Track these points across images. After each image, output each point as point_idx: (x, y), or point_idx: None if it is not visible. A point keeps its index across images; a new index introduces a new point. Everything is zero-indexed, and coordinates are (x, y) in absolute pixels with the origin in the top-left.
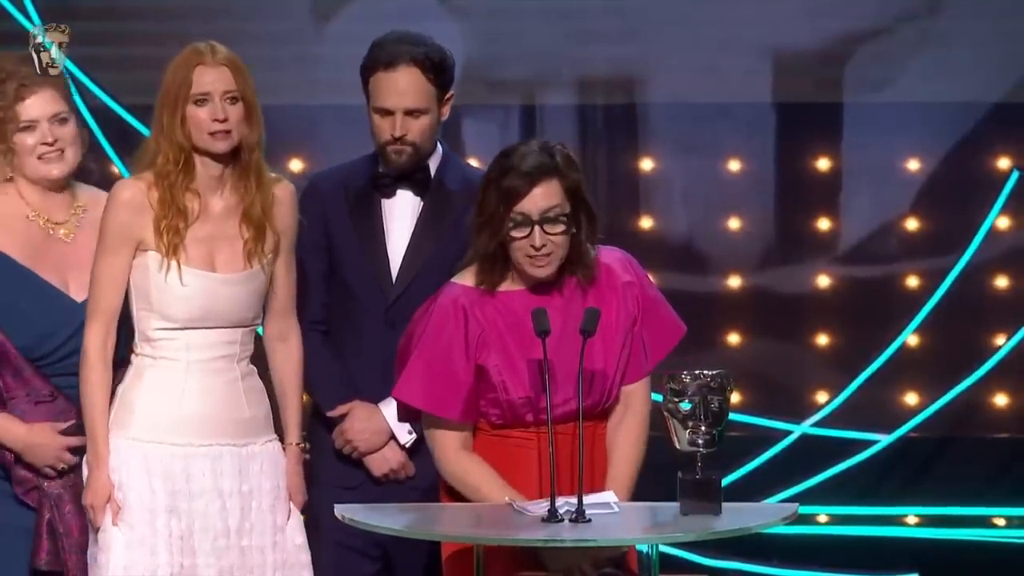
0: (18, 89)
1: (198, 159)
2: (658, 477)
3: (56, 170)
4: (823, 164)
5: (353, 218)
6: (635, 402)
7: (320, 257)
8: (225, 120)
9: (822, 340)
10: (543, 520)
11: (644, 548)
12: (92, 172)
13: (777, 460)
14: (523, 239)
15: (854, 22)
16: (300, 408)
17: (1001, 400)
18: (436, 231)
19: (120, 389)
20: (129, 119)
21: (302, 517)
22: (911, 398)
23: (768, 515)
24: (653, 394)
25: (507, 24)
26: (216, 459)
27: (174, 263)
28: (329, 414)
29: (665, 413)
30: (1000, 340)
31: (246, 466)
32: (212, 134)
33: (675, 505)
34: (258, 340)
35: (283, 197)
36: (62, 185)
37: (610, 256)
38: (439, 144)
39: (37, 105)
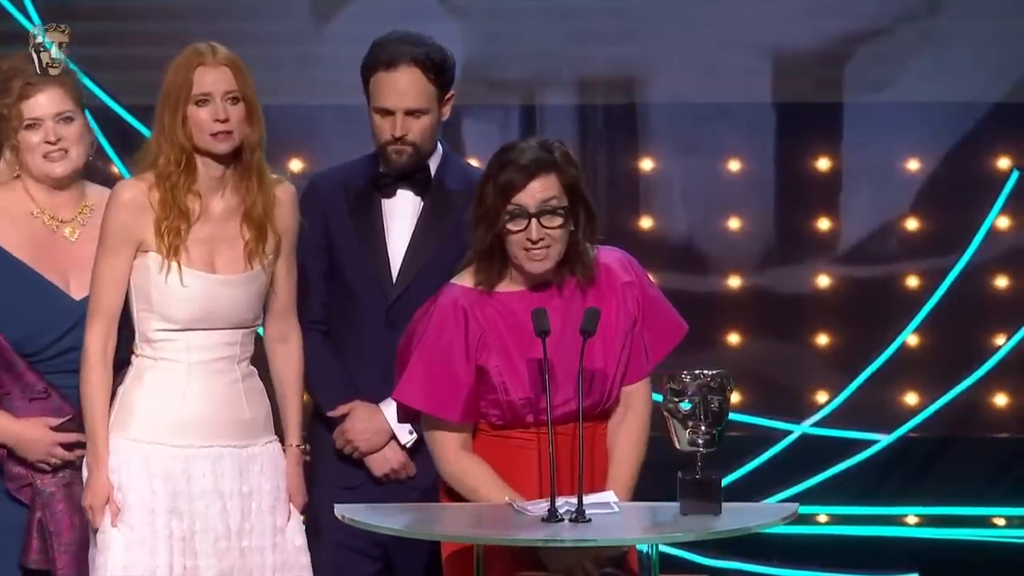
0: (24, 87)
1: (199, 160)
2: (658, 477)
3: (59, 168)
4: (823, 164)
5: (353, 218)
6: (635, 402)
7: (320, 257)
8: (226, 120)
9: (822, 340)
10: (543, 520)
11: (644, 548)
12: (100, 171)
13: (777, 460)
14: (520, 232)
15: (854, 22)
16: (300, 409)
17: (1001, 400)
18: (437, 231)
19: (120, 390)
20: (129, 119)
21: (302, 518)
22: (911, 398)
23: (768, 515)
24: (653, 394)
25: (507, 24)
26: (217, 460)
27: (175, 264)
28: (330, 414)
29: (665, 413)
30: (1000, 340)
31: (246, 467)
32: (214, 135)
33: (675, 505)
34: (258, 341)
35: (284, 198)
36: (68, 183)
37: (610, 256)
38: (439, 144)
39: (42, 103)
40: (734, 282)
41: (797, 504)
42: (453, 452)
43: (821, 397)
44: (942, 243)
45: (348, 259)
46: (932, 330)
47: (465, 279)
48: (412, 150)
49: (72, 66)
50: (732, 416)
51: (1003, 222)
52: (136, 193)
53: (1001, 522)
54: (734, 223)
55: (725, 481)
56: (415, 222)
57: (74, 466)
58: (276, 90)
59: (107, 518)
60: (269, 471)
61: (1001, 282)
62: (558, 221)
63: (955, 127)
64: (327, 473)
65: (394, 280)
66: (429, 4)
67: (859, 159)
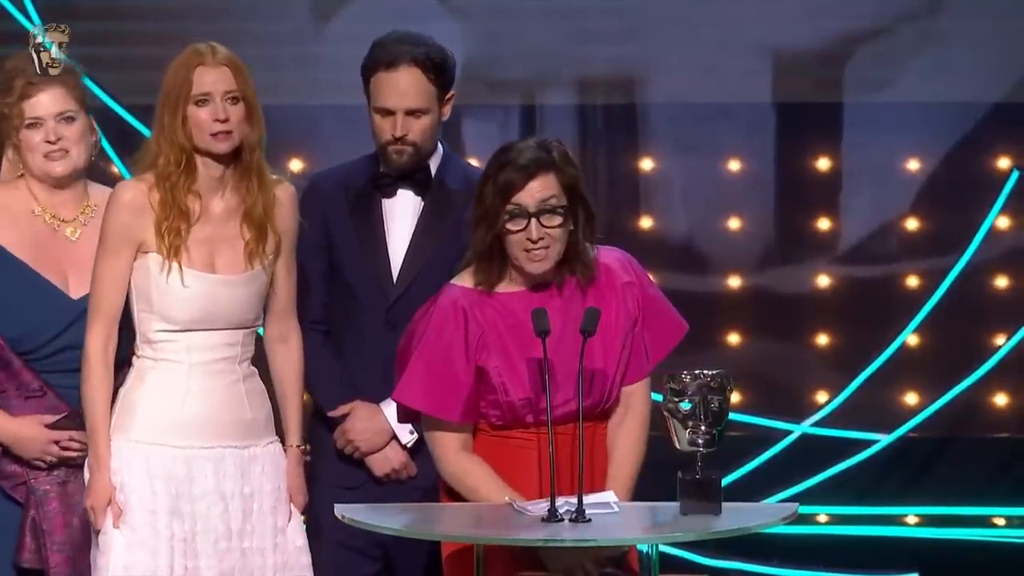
0: (26, 86)
1: (199, 160)
2: (658, 477)
3: (59, 168)
4: (823, 164)
5: (353, 218)
6: (635, 402)
7: (320, 257)
8: (226, 120)
9: (822, 340)
10: (543, 520)
11: (644, 548)
12: (100, 171)
13: (777, 460)
14: (520, 232)
15: (854, 22)
16: (300, 409)
17: (1001, 400)
18: (437, 231)
19: (122, 391)
20: (129, 119)
21: (302, 519)
22: (911, 398)
23: (768, 515)
24: (653, 394)
25: (507, 24)
26: (219, 461)
27: (175, 265)
28: (330, 414)
29: (665, 413)
30: (1000, 340)
31: (248, 468)
32: (213, 135)
33: (675, 505)
34: (258, 341)
35: (284, 198)
36: (69, 183)
37: (609, 256)
38: (440, 144)
39: (44, 103)
40: (734, 282)
41: (797, 504)
42: (453, 452)
43: (821, 397)
44: (942, 243)
45: (348, 259)
46: (932, 330)
47: (465, 279)
48: (412, 150)
49: (77, 67)
50: (732, 416)
51: (1003, 222)
52: (136, 194)
53: (1001, 522)
54: (734, 223)
55: (725, 481)
56: (415, 222)
57: (70, 465)
58: (276, 90)
59: (109, 519)
60: (270, 472)
61: (1001, 282)
62: (557, 220)
63: (955, 127)
64: (328, 473)
65: (394, 280)
66: (429, 4)
67: (859, 159)
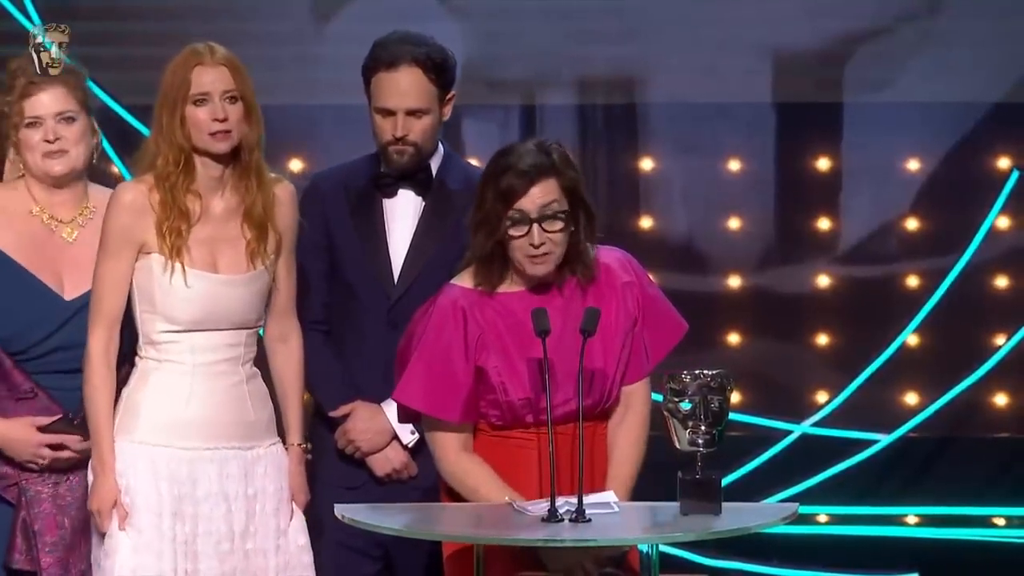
0: (26, 85)
1: (198, 160)
2: (658, 477)
3: (58, 168)
4: (823, 164)
5: (354, 218)
6: (635, 402)
7: (321, 257)
8: (225, 120)
9: (822, 340)
10: (543, 520)
11: (644, 548)
12: (100, 171)
13: (777, 460)
14: (521, 237)
15: (854, 22)
16: (301, 409)
17: (1001, 400)
18: (438, 231)
19: (125, 393)
20: (129, 119)
21: (304, 518)
22: (911, 398)
23: (768, 515)
24: (653, 394)
25: (507, 24)
26: (222, 463)
27: (178, 265)
28: (331, 414)
29: (665, 413)
30: (1000, 340)
31: (251, 469)
32: (212, 134)
33: (675, 505)
34: (259, 341)
35: (283, 197)
36: (68, 183)
37: (609, 256)
38: (440, 144)
39: (44, 102)
40: (734, 282)
41: (797, 504)
42: (453, 452)
43: (821, 397)
44: (942, 243)
45: (349, 259)
46: (932, 330)
47: (465, 280)
48: (413, 150)
49: (81, 68)
50: (732, 416)
51: (1003, 222)
52: (136, 195)
53: (1001, 522)
54: (734, 223)
55: (725, 481)
56: (416, 222)
57: (60, 470)
58: (276, 90)
59: (114, 522)
60: (273, 473)
61: (1001, 282)
62: (559, 225)
63: (955, 127)
64: (329, 473)
65: (395, 280)
66: (429, 4)
67: (859, 159)
